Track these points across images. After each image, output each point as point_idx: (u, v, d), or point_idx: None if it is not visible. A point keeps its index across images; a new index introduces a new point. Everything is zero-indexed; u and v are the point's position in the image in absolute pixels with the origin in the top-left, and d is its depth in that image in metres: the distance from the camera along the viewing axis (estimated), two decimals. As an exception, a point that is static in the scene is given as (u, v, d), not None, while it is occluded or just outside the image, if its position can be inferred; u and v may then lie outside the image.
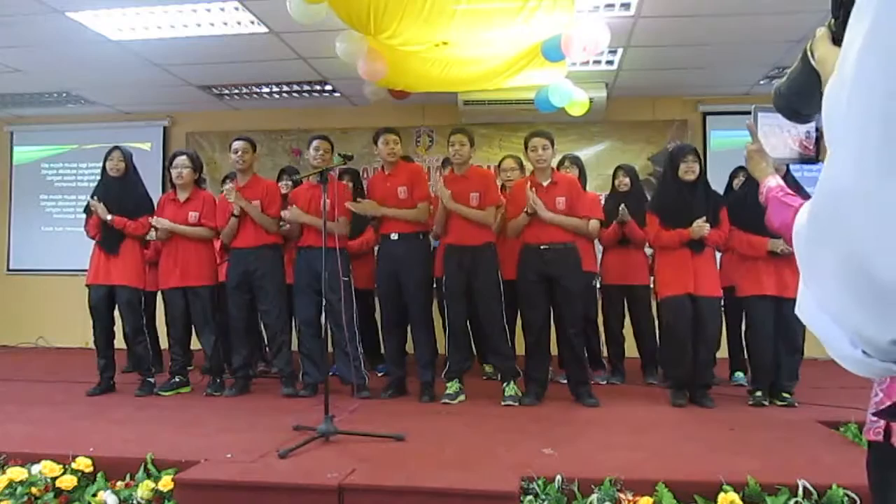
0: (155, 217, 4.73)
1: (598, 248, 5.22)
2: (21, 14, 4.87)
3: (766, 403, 4.19)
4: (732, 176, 5.15)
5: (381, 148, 4.58)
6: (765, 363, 4.26)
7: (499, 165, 5.47)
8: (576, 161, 5.23)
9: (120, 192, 4.71)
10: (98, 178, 4.90)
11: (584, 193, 4.71)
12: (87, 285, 4.77)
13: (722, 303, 4.47)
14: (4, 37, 5.30)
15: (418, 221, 4.58)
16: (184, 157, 4.85)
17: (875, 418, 1.16)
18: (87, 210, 4.79)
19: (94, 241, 4.80)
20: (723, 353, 4.99)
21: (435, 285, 4.87)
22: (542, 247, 4.33)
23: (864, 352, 0.64)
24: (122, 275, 4.69)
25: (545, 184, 4.40)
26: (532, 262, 4.35)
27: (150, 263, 5.13)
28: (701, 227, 4.14)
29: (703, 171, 4.33)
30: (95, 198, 4.68)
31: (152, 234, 4.90)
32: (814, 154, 1.51)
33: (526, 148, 4.45)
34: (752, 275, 4.23)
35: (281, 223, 4.79)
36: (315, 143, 4.70)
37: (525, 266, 4.39)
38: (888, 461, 1.14)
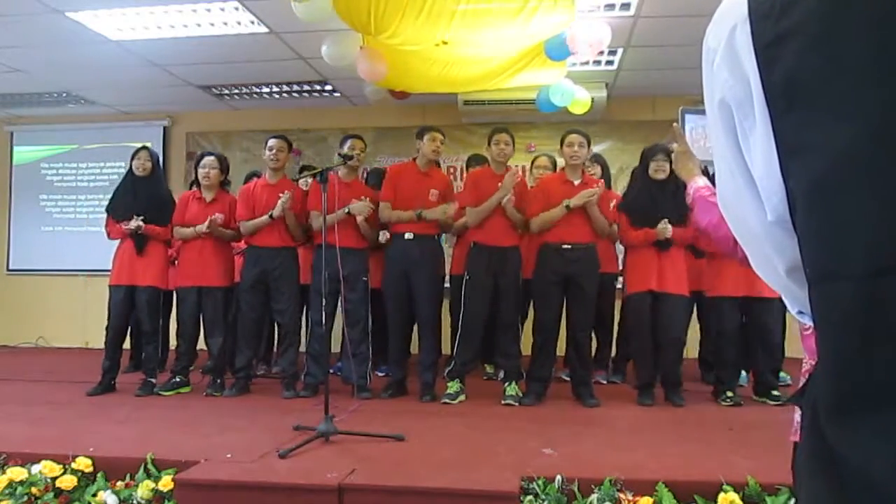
0: (197, 227, 4.68)
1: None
2: (21, 14, 4.87)
3: (743, 402, 4.24)
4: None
5: (427, 144, 4.51)
6: (730, 363, 4.33)
7: (532, 163, 5.48)
8: (598, 159, 5.21)
9: (145, 191, 4.75)
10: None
11: (609, 195, 4.69)
12: (110, 286, 4.78)
13: (686, 301, 4.43)
14: (4, 37, 5.30)
15: (444, 226, 4.60)
16: (212, 157, 4.87)
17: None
18: (109, 210, 4.82)
19: (118, 243, 4.81)
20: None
21: (447, 284, 4.85)
22: (563, 246, 4.31)
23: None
24: (147, 275, 4.72)
25: (576, 182, 4.38)
26: (552, 261, 4.32)
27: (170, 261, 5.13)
28: (664, 228, 4.16)
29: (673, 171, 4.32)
30: (140, 218, 4.65)
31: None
32: None
33: (562, 144, 4.43)
34: (719, 276, 4.25)
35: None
36: (349, 142, 4.66)
37: (544, 265, 4.36)
38: None
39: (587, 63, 5.65)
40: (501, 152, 4.47)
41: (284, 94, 6.93)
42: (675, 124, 1.64)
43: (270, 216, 4.59)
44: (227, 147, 7.33)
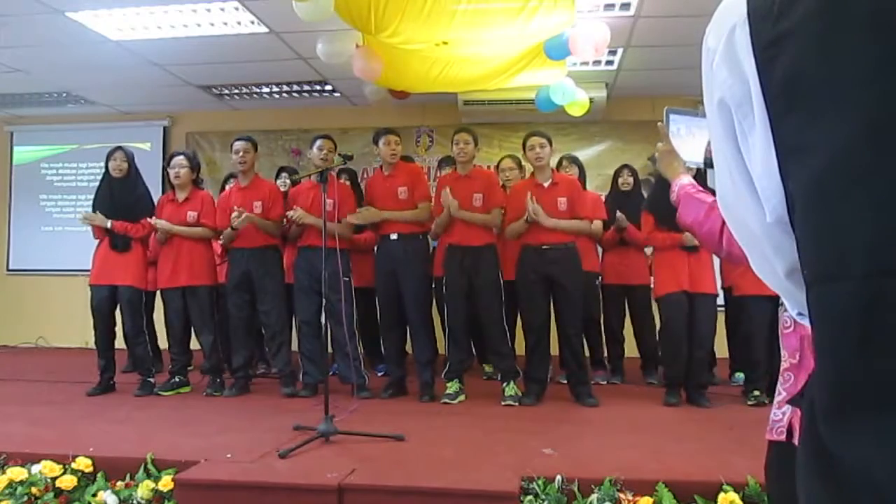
0: (154, 218, 4.72)
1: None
2: (21, 14, 4.87)
3: (767, 402, 4.19)
4: (617, 174, 5.25)
5: (383, 149, 4.57)
6: (760, 362, 4.29)
7: (497, 166, 5.48)
8: (574, 161, 5.25)
9: (122, 192, 4.73)
10: (99, 178, 4.91)
11: (584, 193, 4.72)
12: (90, 286, 4.77)
13: (718, 301, 4.44)
14: (4, 37, 5.30)
15: (419, 222, 4.59)
16: (181, 157, 4.86)
17: (778, 418, 1.18)
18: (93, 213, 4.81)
19: (97, 242, 4.80)
20: (722, 352, 5.01)
21: (434, 285, 4.87)
22: (543, 247, 4.33)
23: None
24: (126, 275, 4.70)
25: (546, 184, 4.41)
26: (532, 262, 4.35)
27: (150, 263, 5.13)
28: (689, 236, 4.11)
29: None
30: (88, 211, 4.71)
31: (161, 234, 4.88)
32: None
33: (524, 148, 4.45)
34: (750, 274, 4.22)
35: (284, 222, 4.80)
36: (319, 142, 4.70)
37: (525, 266, 4.39)
38: (788, 460, 1.14)
39: (587, 63, 5.65)
40: (461, 151, 4.48)
41: (284, 94, 6.93)
42: (659, 123, 1.65)
43: (233, 228, 4.58)
44: (228, 147, 7.32)
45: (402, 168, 4.70)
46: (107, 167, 4.78)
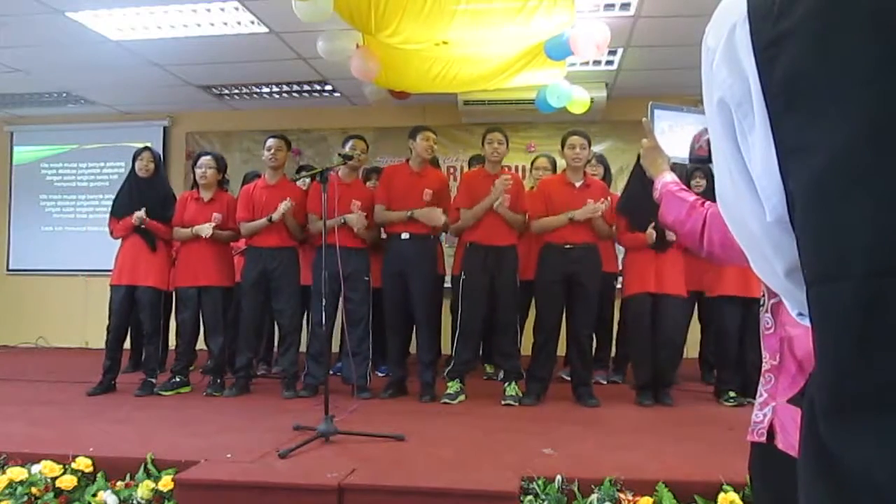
0: (196, 227, 4.69)
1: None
2: (21, 14, 4.87)
3: (746, 403, 4.20)
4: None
5: (421, 143, 4.50)
6: (731, 363, 4.35)
7: (532, 164, 5.49)
8: (601, 160, 5.22)
9: (148, 192, 4.76)
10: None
11: (614, 199, 4.70)
12: (111, 286, 4.78)
13: (684, 302, 4.42)
14: (4, 37, 5.30)
15: (456, 229, 4.61)
16: (209, 157, 4.88)
17: (759, 419, 1.18)
18: (113, 211, 4.82)
19: (120, 242, 4.80)
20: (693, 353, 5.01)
21: (451, 284, 4.84)
22: (566, 246, 4.32)
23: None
24: (149, 276, 4.72)
25: (577, 184, 4.39)
26: (554, 261, 4.33)
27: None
28: (650, 234, 4.16)
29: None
30: (143, 211, 4.66)
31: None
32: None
33: (563, 146, 4.42)
34: (720, 276, 4.26)
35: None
36: (351, 142, 4.68)
37: (546, 265, 4.37)
38: (770, 462, 1.14)
39: (587, 63, 5.65)
40: (495, 151, 4.46)
41: (284, 94, 6.93)
42: (644, 119, 1.64)
43: (270, 219, 4.58)
44: (227, 147, 7.34)
45: (432, 171, 4.70)
46: (133, 167, 4.81)
